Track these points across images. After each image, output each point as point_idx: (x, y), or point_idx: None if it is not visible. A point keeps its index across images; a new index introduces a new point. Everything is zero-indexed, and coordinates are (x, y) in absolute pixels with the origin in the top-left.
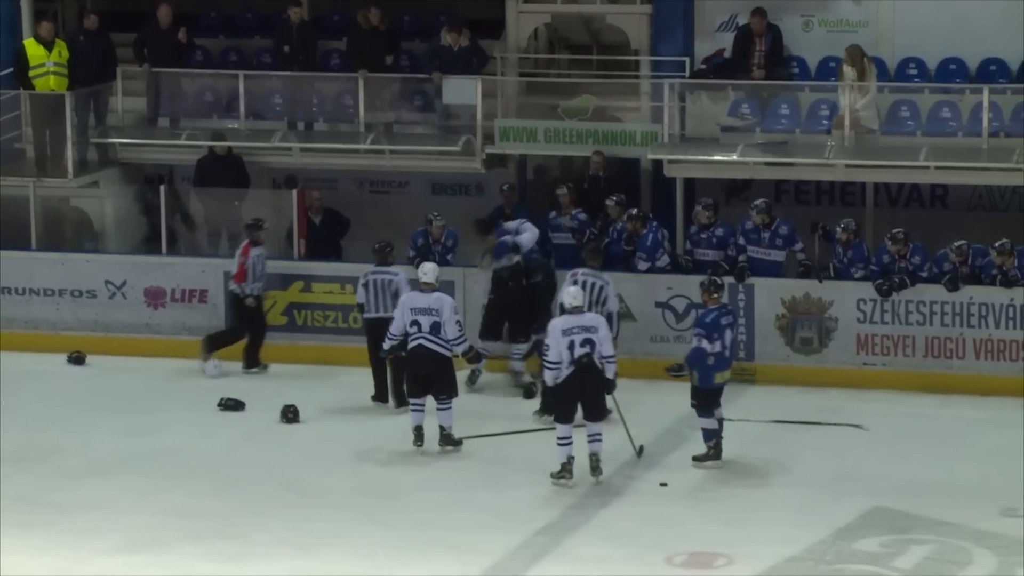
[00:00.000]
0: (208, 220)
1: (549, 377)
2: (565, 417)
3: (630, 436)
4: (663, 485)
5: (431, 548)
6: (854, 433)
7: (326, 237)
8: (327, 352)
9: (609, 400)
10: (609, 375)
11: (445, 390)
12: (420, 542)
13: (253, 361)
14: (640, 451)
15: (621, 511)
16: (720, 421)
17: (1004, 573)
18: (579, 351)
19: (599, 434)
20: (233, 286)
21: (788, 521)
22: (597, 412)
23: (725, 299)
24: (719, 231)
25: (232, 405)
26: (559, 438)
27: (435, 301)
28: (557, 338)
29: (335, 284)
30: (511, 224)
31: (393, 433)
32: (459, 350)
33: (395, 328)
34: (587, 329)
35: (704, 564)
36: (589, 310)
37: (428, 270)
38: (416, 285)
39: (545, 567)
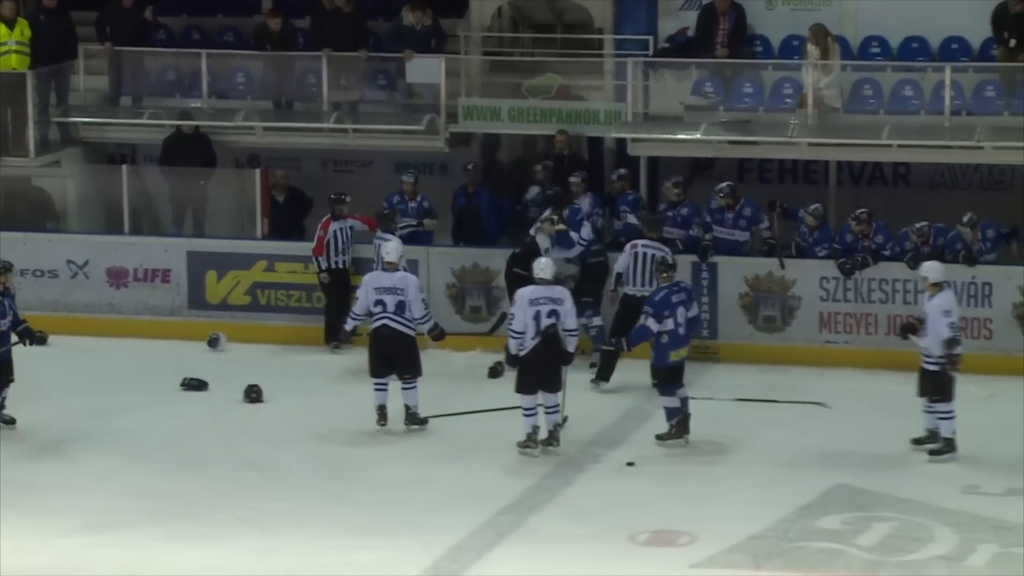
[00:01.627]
0: (173, 199)
1: (513, 346)
2: (529, 388)
3: (562, 405)
4: (630, 464)
5: (394, 527)
6: (817, 411)
7: (289, 216)
8: (290, 332)
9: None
10: (570, 348)
11: (409, 369)
12: (383, 521)
13: (331, 336)
14: (564, 420)
15: (585, 490)
16: (684, 400)
17: (965, 550)
18: (545, 322)
19: (557, 405)
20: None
21: (751, 499)
22: (552, 383)
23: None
24: (684, 210)
25: (195, 385)
26: (524, 409)
27: (400, 280)
28: (524, 308)
29: (298, 263)
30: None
31: (356, 412)
32: (424, 328)
33: (358, 308)
34: (554, 300)
35: (667, 542)
36: (649, 283)
37: (391, 249)
38: None
39: (509, 545)
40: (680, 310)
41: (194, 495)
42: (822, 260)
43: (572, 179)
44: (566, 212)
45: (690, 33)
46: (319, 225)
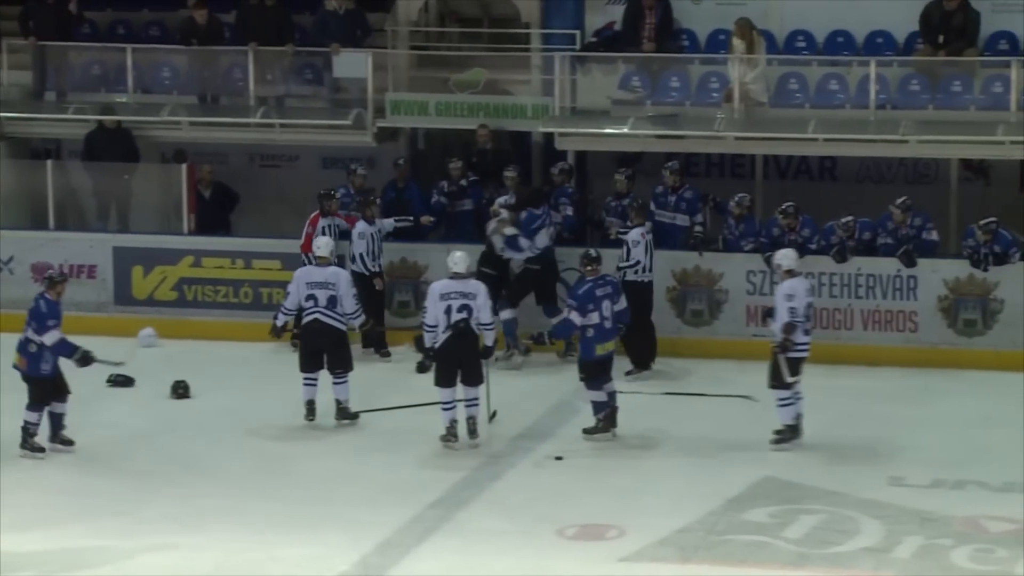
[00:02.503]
0: (96, 194)
1: (427, 339)
2: (446, 382)
3: (488, 400)
4: (558, 459)
5: (323, 523)
6: (744, 404)
7: (215, 211)
8: (217, 327)
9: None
10: (488, 342)
11: (340, 364)
12: (312, 517)
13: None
14: (493, 415)
15: (513, 484)
16: (611, 394)
17: (891, 542)
18: (455, 316)
19: (476, 399)
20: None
21: (679, 492)
22: (472, 377)
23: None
24: (627, 200)
25: (121, 381)
26: (442, 403)
27: (331, 275)
28: (435, 302)
29: (225, 259)
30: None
31: (284, 408)
32: (356, 323)
33: (289, 303)
34: (465, 295)
35: (595, 536)
36: (652, 270)
37: (322, 244)
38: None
39: (437, 540)
40: (606, 303)
41: (121, 492)
42: (748, 254)
43: (507, 173)
44: (523, 215)
45: (617, 27)
46: (307, 221)
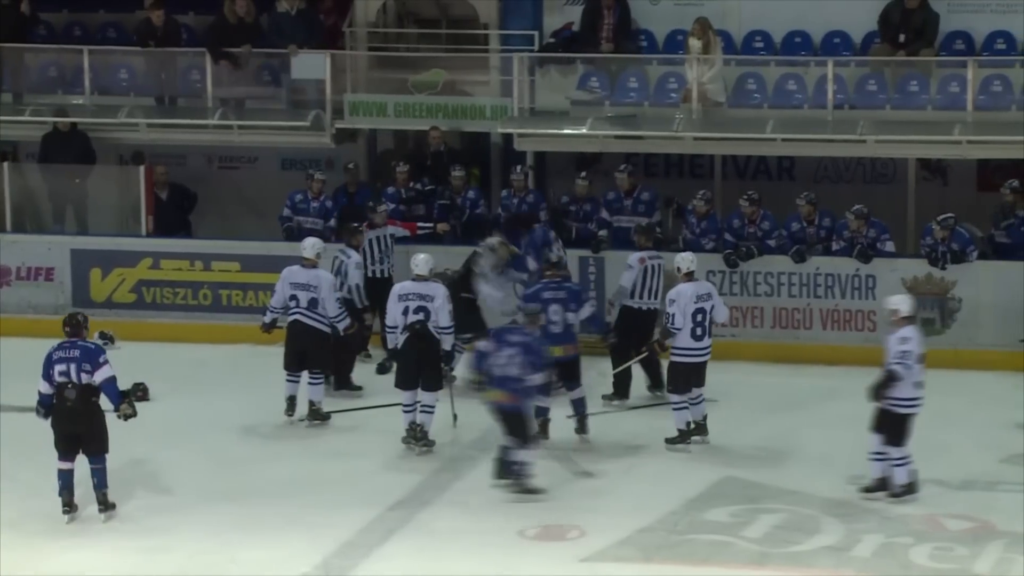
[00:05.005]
0: (53, 196)
1: (388, 340)
2: (405, 384)
3: (452, 404)
4: None
5: (284, 524)
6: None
7: (173, 213)
8: (176, 329)
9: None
10: (446, 346)
11: (319, 364)
12: (272, 518)
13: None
14: (455, 419)
15: (474, 485)
16: (574, 401)
17: (851, 540)
18: (412, 318)
19: (429, 405)
20: None
21: (640, 492)
22: (429, 382)
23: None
24: (587, 205)
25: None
26: (402, 405)
27: (313, 278)
28: (394, 302)
29: (184, 261)
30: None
31: (244, 410)
32: (341, 327)
33: (275, 301)
34: (423, 297)
35: (557, 536)
36: (656, 296)
37: (308, 245)
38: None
39: (399, 541)
40: (554, 307)
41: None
42: (708, 253)
43: (455, 174)
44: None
45: (575, 28)
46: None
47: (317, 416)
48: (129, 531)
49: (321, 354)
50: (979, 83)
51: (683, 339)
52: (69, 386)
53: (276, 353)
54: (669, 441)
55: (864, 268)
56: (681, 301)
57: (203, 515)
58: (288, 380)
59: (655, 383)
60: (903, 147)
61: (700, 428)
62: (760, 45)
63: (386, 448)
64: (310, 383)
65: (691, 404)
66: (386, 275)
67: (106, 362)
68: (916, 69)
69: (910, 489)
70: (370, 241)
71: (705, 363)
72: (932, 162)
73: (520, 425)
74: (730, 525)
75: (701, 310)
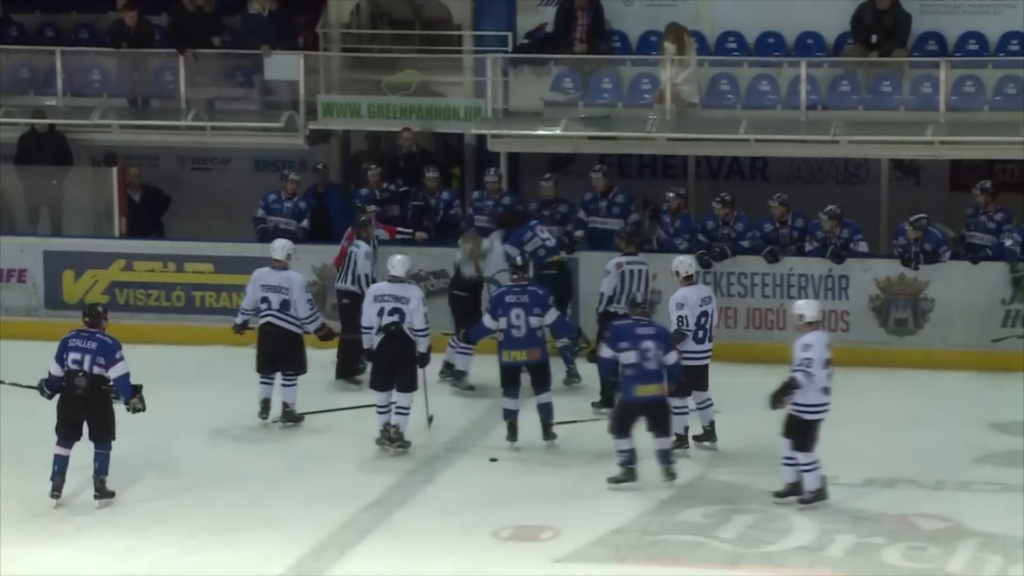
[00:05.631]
0: (28, 198)
1: (364, 341)
2: (379, 384)
3: (426, 405)
4: (493, 460)
5: (257, 525)
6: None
7: (146, 214)
8: (149, 331)
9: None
10: (421, 349)
11: (292, 366)
12: (246, 519)
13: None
14: (430, 420)
15: (448, 486)
16: (540, 406)
17: (824, 540)
18: (387, 319)
19: (404, 407)
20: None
21: (613, 493)
22: (403, 383)
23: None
24: (562, 207)
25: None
26: (376, 406)
27: (285, 280)
28: (370, 303)
29: (157, 262)
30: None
31: (216, 411)
32: (311, 328)
33: (246, 303)
34: (398, 299)
35: (530, 537)
36: (641, 303)
37: (279, 247)
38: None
39: (373, 542)
40: (516, 311)
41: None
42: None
43: (429, 175)
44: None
45: (549, 29)
46: (344, 236)
47: (291, 417)
48: (102, 532)
49: (294, 356)
50: (951, 84)
51: (686, 343)
52: (80, 374)
53: (250, 355)
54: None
55: (837, 268)
56: (689, 304)
57: (177, 516)
58: (261, 383)
59: None
60: (876, 147)
61: (708, 434)
62: (733, 46)
63: (360, 449)
64: (283, 385)
65: (698, 409)
66: (373, 278)
67: (122, 358)
68: (889, 70)
69: (819, 495)
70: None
71: (706, 366)
72: (905, 162)
73: (666, 416)
74: (704, 525)
75: (704, 313)
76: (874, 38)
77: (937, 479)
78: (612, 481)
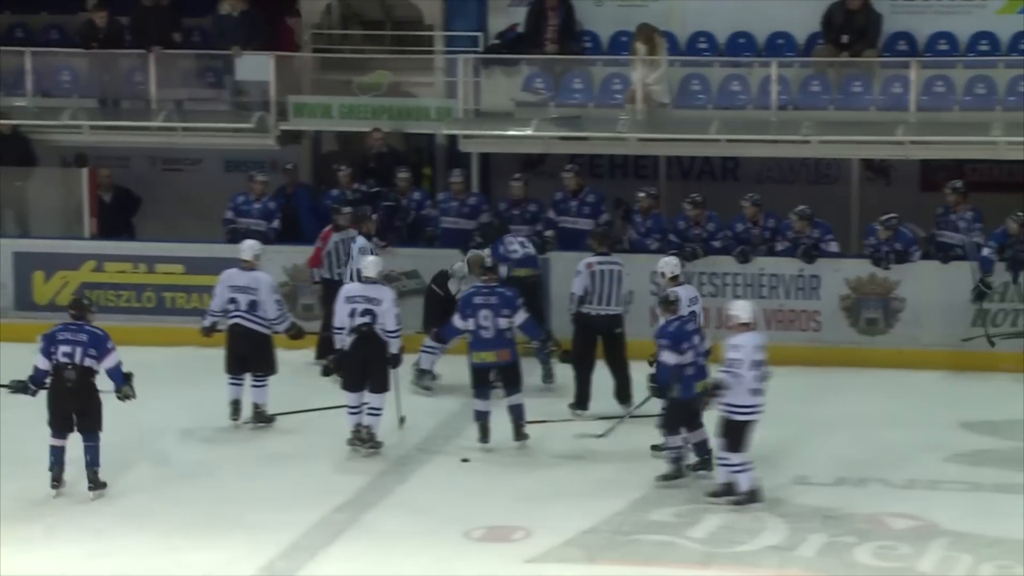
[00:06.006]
0: None
1: (336, 341)
2: (351, 385)
3: (398, 406)
4: (464, 461)
5: (228, 526)
6: (648, 405)
7: (117, 215)
8: (120, 332)
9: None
10: (393, 350)
11: (262, 367)
12: (217, 521)
13: (321, 352)
14: (402, 421)
15: (419, 486)
16: (511, 407)
17: (796, 540)
18: (358, 320)
19: (376, 408)
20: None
21: (585, 493)
22: (375, 384)
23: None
24: (532, 206)
25: (21, 388)
26: (347, 406)
27: (252, 280)
28: (341, 304)
29: (127, 263)
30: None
31: (187, 412)
32: (280, 328)
33: (214, 304)
34: (370, 300)
35: (502, 537)
36: (610, 301)
37: (247, 247)
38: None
39: (344, 543)
40: (484, 312)
41: (24, 497)
42: (652, 255)
43: (400, 175)
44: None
45: (520, 29)
46: (319, 236)
47: (261, 418)
48: (72, 534)
49: (263, 356)
50: (922, 84)
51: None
52: (69, 367)
53: (221, 356)
54: (655, 448)
55: (808, 268)
56: (680, 303)
57: (147, 517)
58: (231, 384)
59: (623, 396)
60: (847, 147)
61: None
62: (704, 46)
63: (332, 450)
64: (253, 385)
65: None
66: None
67: (113, 348)
68: (859, 70)
69: (752, 497)
70: (336, 244)
71: (705, 366)
72: (875, 162)
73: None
74: (675, 525)
75: (692, 313)
76: (845, 38)
77: (908, 478)
78: (661, 479)
